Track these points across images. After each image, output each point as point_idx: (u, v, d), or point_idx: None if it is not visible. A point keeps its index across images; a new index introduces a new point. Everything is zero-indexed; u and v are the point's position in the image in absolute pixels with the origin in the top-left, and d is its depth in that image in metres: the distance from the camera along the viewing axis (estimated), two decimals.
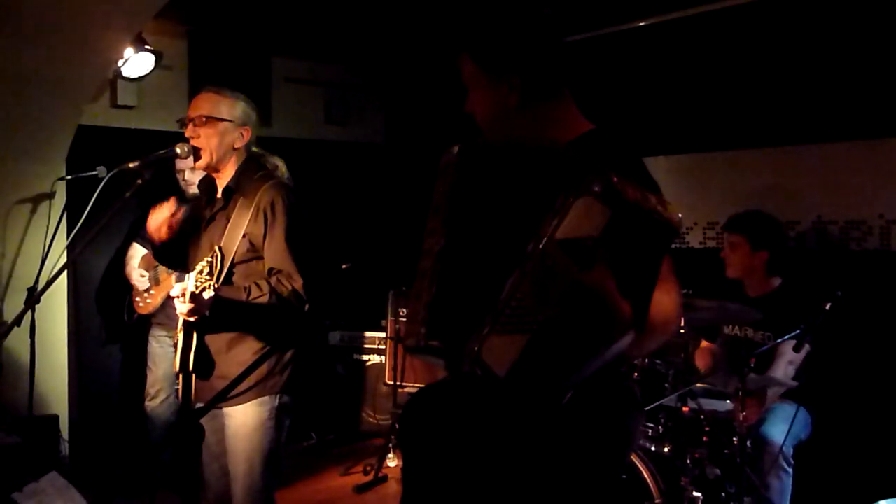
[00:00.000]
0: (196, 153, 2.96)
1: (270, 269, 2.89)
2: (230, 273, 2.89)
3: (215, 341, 2.93)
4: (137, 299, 4.81)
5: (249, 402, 2.89)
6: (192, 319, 2.79)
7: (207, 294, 2.69)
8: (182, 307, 2.75)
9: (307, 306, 2.90)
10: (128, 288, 4.89)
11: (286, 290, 2.83)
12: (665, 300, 1.79)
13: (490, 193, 1.79)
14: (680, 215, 1.64)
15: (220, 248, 2.85)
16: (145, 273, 4.76)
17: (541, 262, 1.63)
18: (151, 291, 4.76)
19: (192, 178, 4.62)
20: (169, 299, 4.59)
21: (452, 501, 2.01)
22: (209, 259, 2.75)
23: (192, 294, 2.70)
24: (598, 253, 1.59)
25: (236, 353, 2.92)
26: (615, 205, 1.58)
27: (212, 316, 2.77)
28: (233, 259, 2.89)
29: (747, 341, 3.91)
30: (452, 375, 1.98)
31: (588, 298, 1.60)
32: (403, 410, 2.18)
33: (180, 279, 2.89)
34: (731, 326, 4.08)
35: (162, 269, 4.68)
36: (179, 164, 4.66)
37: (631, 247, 1.63)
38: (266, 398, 2.92)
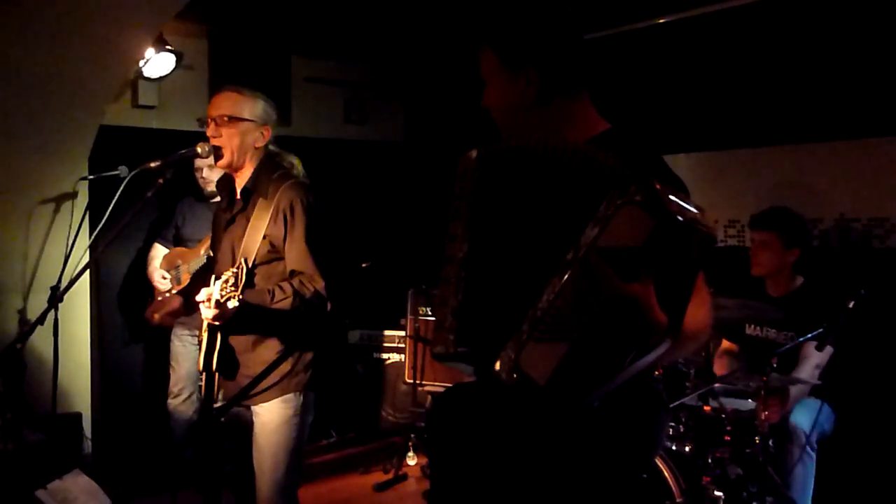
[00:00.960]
0: (217, 153, 2.97)
1: (292, 272, 2.91)
2: (251, 274, 2.90)
3: (240, 341, 2.97)
4: (160, 299, 4.81)
5: (275, 400, 2.93)
6: (216, 324, 2.83)
7: (232, 304, 2.71)
8: (207, 312, 2.80)
9: (329, 306, 2.92)
10: (150, 287, 4.92)
11: (309, 292, 2.85)
12: (699, 312, 1.80)
13: (516, 198, 1.77)
14: (716, 221, 1.63)
15: (245, 261, 2.85)
16: (167, 274, 4.78)
17: (582, 271, 1.61)
18: (174, 292, 4.77)
19: (210, 175, 4.65)
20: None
21: (480, 500, 2.02)
22: (234, 270, 2.76)
23: (217, 301, 2.74)
24: (641, 263, 1.58)
25: (260, 353, 2.95)
26: (657, 215, 1.57)
27: (237, 319, 2.81)
28: (254, 261, 2.90)
29: (769, 342, 3.87)
30: (482, 380, 1.98)
31: (628, 310, 1.59)
32: (431, 408, 2.18)
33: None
34: (752, 326, 4.04)
35: (184, 268, 4.72)
36: (198, 162, 4.69)
37: (671, 257, 1.62)
38: (291, 395, 2.95)
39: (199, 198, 4.91)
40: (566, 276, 1.63)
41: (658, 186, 1.58)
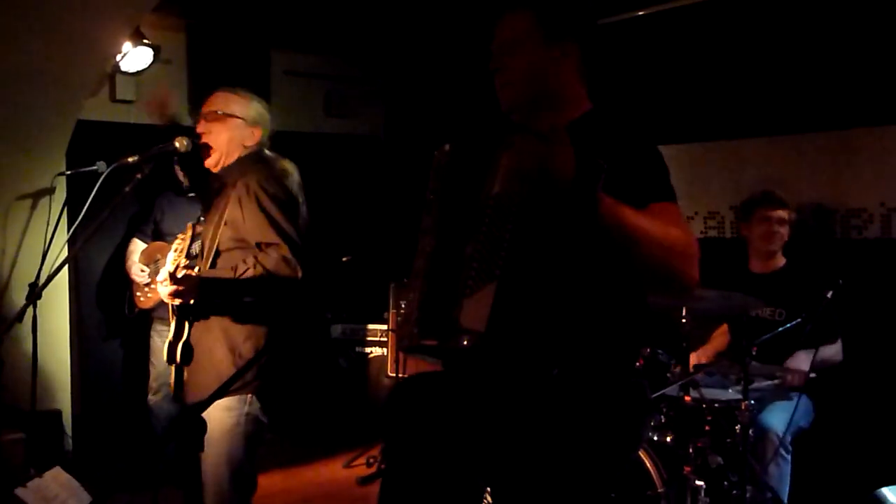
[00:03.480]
0: (205, 149, 2.95)
1: (257, 244, 2.79)
2: (214, 262, 2.84)
3: (201, 334, 2.87)
4: (138, 293, 4.81)
5: (216, 404, 2.61)
6: (175, 302, 2.78)
7: (180, 273, 2.69)
8: (164, 290, 2.76)
9: (300, 273, 2.76)
10: (128, 282, 4.89)
11: (272, 260, 2.71)
12: (667, 224, 1.78)
13: (473, 188, 1.80)
14: (696, 213, 1.70)
15: (192, 225, 2.87)
16: (145, 268, 4.75)
17: (489, 218, 1.75)
18: (152, 286, 4.75)
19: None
20: None
21: (437, 493, 1.93)
22: (181, 236, 2.76)
23: (171, 274, 2.72)
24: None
25: (218, 348, 2.82)
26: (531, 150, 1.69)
27: (202, 298, 2.76)
28: (216, 248, 2.83)
29: (759, 320, 3.92)
30: (445, 365, 1.98)
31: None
32: (388, 399, 2.12)
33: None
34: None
35: (162, 262, 4.66)
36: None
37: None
38: (233, 401, 2.77)
39: (179, 192, 4.85)
40: (479, 227, 1.75)
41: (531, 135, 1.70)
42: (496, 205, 1.75)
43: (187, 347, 2.87)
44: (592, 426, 1.86)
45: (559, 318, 1.76)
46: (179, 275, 2.70)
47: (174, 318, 2.91)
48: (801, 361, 3.69)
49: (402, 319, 1.89)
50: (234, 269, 2.74)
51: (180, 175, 4.63)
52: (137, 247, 4.90)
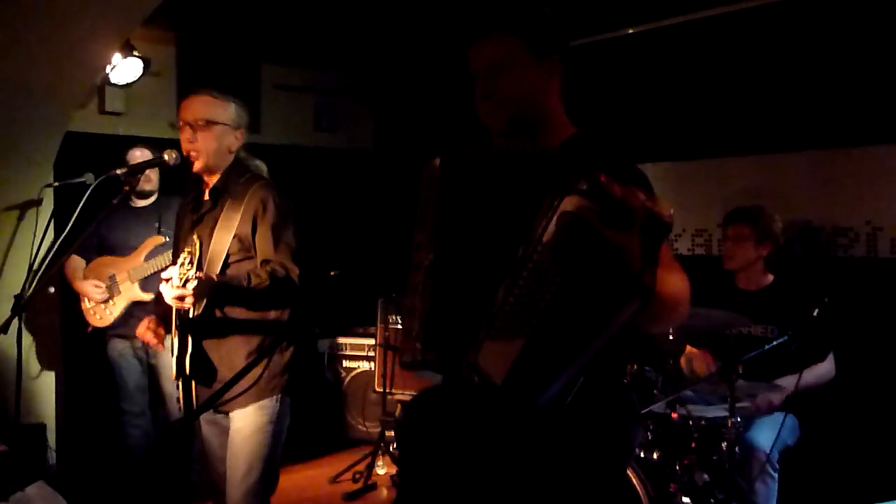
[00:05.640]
0: (191, 158, 2.96)
1: (264, 261, 2.90)
2: (224, 272, 2.88)
3: (215, 348, 2.92)
4: (92, 311, 4.56)
5: (251, 406, 2.90)
6: (184, 306, 2.79)
7: (191, 285, 2.69)
8: (171, 291, 2.74)
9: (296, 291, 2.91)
10: (76, 299, 4.61)
11: (282, 275, 2.84)
12: (672, 277, 1.77)
13: (475, 203, 1.79)
14: (671, 211, 1.61)
15: (198, 237, 2.86)
16: (101, 284, 4.49)
17: (533, 265, 1.62)
18: (111, 302, 4.51)
19: (151, 174, 4.50)
20: (133, 308, 4.42)
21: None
22: (189, 249, 2.77)
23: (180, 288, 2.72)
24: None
25: (231, 357, 2.91)
26: (603, 202, 1.56)
27: (214, 302, 2.79)
28: (226, 259, 2.88)
29: (749, 337, 3.91)
30: (450, 383, 1.98)
31: (607, 258, 1.56)
32: (403, 415, 2.17)
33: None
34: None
35: (120, 277, 4.48)
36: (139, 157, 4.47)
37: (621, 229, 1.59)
38: (266, 401, 2.93)
39: (124, 203, 4.61)
40: (518, 272, 1.64)
41: (602, 177, 1.57)
42: (545, 255, 1.60)
43: (196, 360, 2.88)
44: (584, 438, 1.87)
45: (576, 377, 1.73)
46: (189, 287, 2.70)
47: (177, 333, 2.91)
48: (787, 382, 3.69)
49: (403, 334, 1.88)
50: (248, 279, 2.81)
51: (147, 182, 4.49)
52: (78, 263, 4.58)
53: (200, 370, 2.90)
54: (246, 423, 2.91)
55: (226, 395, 2.59)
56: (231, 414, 2.94)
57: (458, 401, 2.01)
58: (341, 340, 6.06)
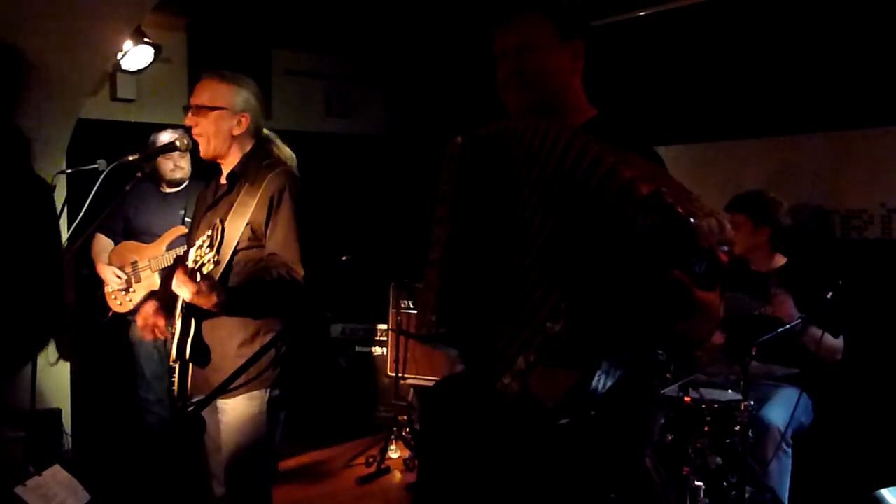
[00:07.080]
0: (197, 143, 2.95)
1: (271, 254, 2.84)
2: (231, 259, 2.85)
3: (210, 331, 2.89)
4: (114, 297, 4.58)
5: (240, 396, 2.84)
6: (188, 299, 2.70)
7: (206, 269, 2.65)
8: (185, 288, 2.66)
9: (302, 295, 2.87)
10: (98, 283, 4.61)
11: (289, 278, 2.80)
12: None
13: (494, 180, 1.78)
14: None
15: (220, 221, 2.77)
16: (121, 273, 4.51)
17: (592, 290, 1.55)
18: (132, 290, 4.52)
19: (181, 162, 4.51)
20: (153, 296, 4.42)
21: (472, 493, 2.01)
22: (209, 233, 2.69)
23: (192, 271, 2.66)
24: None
25: (224, 343, 2.87)
26: (669, 220, 1.51)
27: (223, 310, 2.74)
28: (235, 246, 2.84)
29: (761, 317, 3.91)
30: (469, 366, 1.97)
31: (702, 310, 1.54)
32: (423, 406, 2.17)
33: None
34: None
35: (143, 265, 4.49)
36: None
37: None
38: (257, 392, 2.86)
39: (156, 187, 4.61)
40: (576, 299, 1.57)
41: (670, 200, 1.51)
42: (675, 278, 1.51)
43: (196, 345, 2.86)
44: (607, 423, 1.86)
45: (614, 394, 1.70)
46: (206, 270, 2.66)
47: (181, 315, 2.90)
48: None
49: (419, 307, 1.90)
50: (259, 283, 2.79)
51: (170, 168, 4.50)
52: (104, 244, 4.60)
53: (200, 355, 2.88)
54: (235, 414, 2.86)
55: (218, 385, 2.55)
56: (219, 404, 2.88)
57: (477, 392, 1.99)
58: (353, 326, 6.07)
